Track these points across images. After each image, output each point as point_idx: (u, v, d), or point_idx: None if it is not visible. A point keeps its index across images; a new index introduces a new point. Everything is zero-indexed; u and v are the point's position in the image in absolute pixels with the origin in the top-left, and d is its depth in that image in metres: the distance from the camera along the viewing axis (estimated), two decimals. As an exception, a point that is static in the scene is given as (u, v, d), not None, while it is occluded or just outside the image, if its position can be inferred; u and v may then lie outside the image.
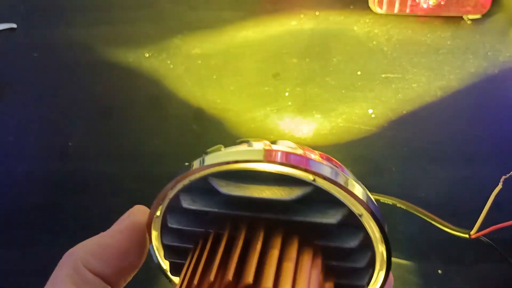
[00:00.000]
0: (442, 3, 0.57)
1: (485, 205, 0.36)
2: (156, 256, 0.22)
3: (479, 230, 0.37)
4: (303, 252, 0.18)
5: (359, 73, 0.54)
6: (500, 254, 0.39)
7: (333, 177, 0.18)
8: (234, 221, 0.19)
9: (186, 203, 0.19)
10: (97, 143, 0.51)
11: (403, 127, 0.50)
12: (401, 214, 0.42)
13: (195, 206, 0.19)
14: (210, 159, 0.19)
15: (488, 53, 0.56)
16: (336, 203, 0.18)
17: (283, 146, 0.20)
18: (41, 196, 0.47)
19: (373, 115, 0.51)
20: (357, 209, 0.18)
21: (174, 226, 0.20)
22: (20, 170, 0.48)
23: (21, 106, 0.54)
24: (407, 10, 0.58)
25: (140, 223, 0.21)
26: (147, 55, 0.57)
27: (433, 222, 0.38)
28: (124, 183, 0.47)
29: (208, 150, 0.20)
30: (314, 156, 0.20)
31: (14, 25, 0.60)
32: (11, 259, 0.43)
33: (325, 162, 0.19)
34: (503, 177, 0.35)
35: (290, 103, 0.52)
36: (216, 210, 0.19)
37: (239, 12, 0.61)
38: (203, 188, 0.19)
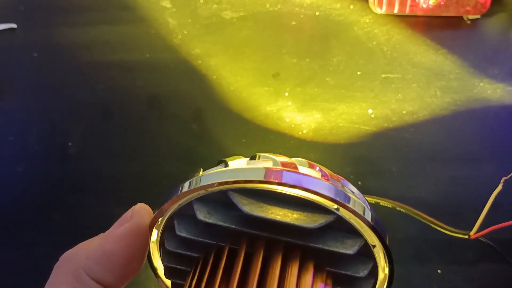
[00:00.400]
0: (442, 3, 0.57)
1: (485, 205, 0.36)
2: (152, 261, 0.22)
3: (478, 230, 0.37)
4: (317, 278, 0.18)
5: (359, 73, 0.54)
6: (499, 254, 0.39)
7: (356, 209, 0.18)
8: (250, 239, 0.19)
9: (202, 215, 0.18)
10: (97, 143, 0.51)
11: (403, 127, 0.50)
12: (401, 214, 0.42)
13: (211, 220, 0.18)
14: (233, 175, 0.18)
15: (488, 53, 0.56)
16: (354, 233, 0.19)
17: (307, 169, 0.20)
18: (41, 196, 0.47)
19: (373, 115, 0.51)
20: (372, 240, 0.19)
21: (183, 234, 0.19)
22: (20, 170, 0.48)
23: (21, 106, 0.54)
24: (407, 10, 0.58)
25: (144, 226, 0.20)
26: (147, 55, 0.57)
27: (432, 225, 0.38)
28: (124, 183, 0.47)
29: (227, 159, 0.20)
30: (336, 181, 0.20)
31: (14, 25, 0.60)
32: (11, 259, 0.43)
33: (347, 189, 0.19)
34: (504, 178, 0.35)
35: (290, 103, 0.52)
36: (233, 226, 0.18)
37: (239, 12, 0.61)
38: (220, 200, 0.19)
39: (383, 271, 0.20)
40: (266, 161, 0.20)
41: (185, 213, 0.19)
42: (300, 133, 0.50)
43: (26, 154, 0.50)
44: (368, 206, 0.19)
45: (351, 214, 0.18)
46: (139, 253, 0.20)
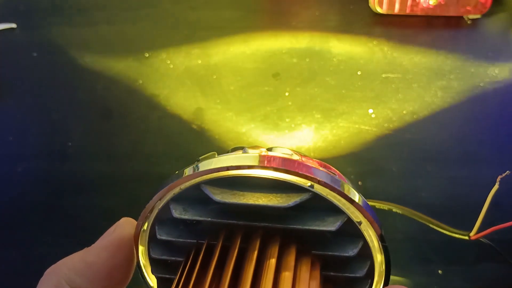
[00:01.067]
0: (442, 3, 0.57)
1: (487, 207, 0.36)
2: (143, 273, 0.21)
3: (478, 231, 0.37)
4: (301, 262, 0.18)
5: (359, 73, 0.54)
6: (500, 255, 0.39)
7: (331, 183, 0.17)
8: (229, 230, 0.18)
9: (177, 213, 0.18)
10: (97, 143, 0.51)
11: (404, 127, 0.50)
12: (401, 214, 0.42)
13: (187, 216, 0.18)
14: (202, 166, 0.18)
15: (489, 53, 0.56)
16: (335, 210, 0.18)
17: (279, 152, 0.20)
18: (40, 196, 0.47)
19: (373, 115, 0.51)
20: (356, 216, 0.18)
21: (164, 237, 0.19)
22: (19, 170, 0.48)
23: (20, 106, 0.54)
24: (407, 10, 0.58)
25: (127, 237, 0.20)
26: (146, 54, 0.57)
27: (431, 225, 0.38)
28: (123, 183, 0.47)
29: (201, 157, 0.19)
30: (311, 162, 0.19)
31: (13, 25, 0.60)
32: (10, 259, 0.43)
33: (322, 168, 0.18)
34: (499, 176, 0.35)
35: (290, 103, 0.52)
36: (209, 219, 0.18)
37: (239, 11, 0.61)
38: (195, 196, 0.18)
39: (380, 253, 0.19)
40: (236, 151, 0.20)
41: (165, 217, 0.19)
42: (301, 133, 0.50)
43: (26, 154, 0.50)
44: (348, 182, 0.18)
45: (328, 190, 0.17)
46: (122, 264, 0.20)
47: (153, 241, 0.20)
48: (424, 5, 0.58)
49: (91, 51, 0.58)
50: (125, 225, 0.20)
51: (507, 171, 0.35)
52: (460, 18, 0.58)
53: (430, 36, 0.57)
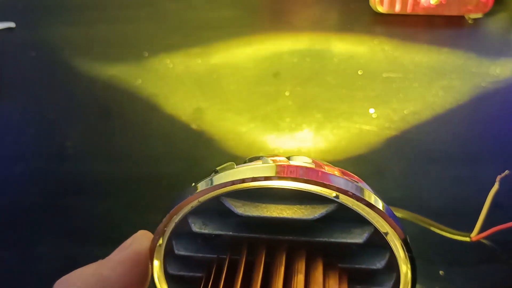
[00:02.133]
0: (444, 2, 0.57)
1: (488, 207, 0.36)
2: None
3: (480, 232, 0.37)
4: (329, 276, 0.17)
5: (360, 72, 0.54)
6: (502, 256, 0.38)
7: (357, 193, 0.16)
8: (251, 244, 0.17)
9: (197, 227, 0.17)
10: (96, 143, 0.50)
11: (405, 126, 0.50)
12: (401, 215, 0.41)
13: (207, 230, 0.17)
14: (221, 178, 0.17)
15: (490, 52, 0.56)
16: (361, 221, 0.17)
17: (299, 161, 0.19)
18: (39, 196, 0.47)
19: (374, 115, 0.50)
20: (382, 227, 0.17)
21: (182, 253, 0.18)
22: (18, 170, 0.48)
23: (19, 105, 0.54)
24: (408, 9, 0.58)
25: (144, 252, 0.19)
26: (146, 54, 0.57)
27: (432, 228, 0.38)
28: (123, 183, 0.47)
29: (218, 168, 0.18)
30: (333, 171, 0.18)
31: (12, 24, 0.60)
32: (9, 259, 0.43)
33: (346, 177, 0.17)
34: (498, 176, 0.35)
35: (290, 102, 0.52)
36: (231, 233, 0.17)
37: (239, 11, 0.61)
38: (214, 209, 0.18)
39: (405, 264, 0.18)
40: (255, 162, 0.19)
41: (183, 231, 0.18)
42: (301, 133, 0.49)
43: (24, 154, 0.49)
44: (372, 191, 0.17)
45: (354, 201, 0.17)
46: (137, 280, 0.19)
47: (169, 256, 0.19)
48: (425, 4, 0.57)
49: (90, 50, 0.58)
50: (142, 239, 0.20)
51: (506, 171, 0.35)
52: (461, 17, 0.58)
53: (432, 36, 0.57)
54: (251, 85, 0.53)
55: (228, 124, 0.51)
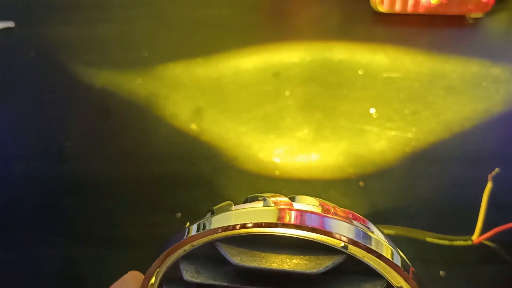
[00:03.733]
0: (444, 2, 0.57)
1: (485, 207, 0.36)
2: None
3: (481, 233, 0.37)
4: None
5: (360, 72, 0.54)
6: (503, 256, 0.38)
7: (369, 244, 0.15)
8: None
9: (188, 275, 0.16)
10: (95, 143, 0.50)
11: (405, 127, 0.49)
12: (402, 214, 0.41)
13: (199, 279, 0.16)
14: (218, 221, 0.16)
15: (491, 52, 0.55)
16: (372, 274, 0.16)
17: (304, 205, 0.17)
18: (38, 197, 0.46)
19: (374, 115, 0.50)
20: (396, 281, 0.16)
21: None
22: (17, 170, 0.48)
23: (18, 105, 0.54)
24: (409, 9, 0.58)
25: None
26: (145, 54, 0.57)
27: (428, 239, 0.38)
28: (122, 183, 0.47)
29: (215, 207, 0.17)
30: (342, 215, 0.17)
31: (11, 24, 0.60)
32: (8, 260, 0.43)
33: (355, 223, 0.16)
34: (490, 175, 0.35)
35: (290, 102, 0.52)
36: (225, 283, 0.16)
37: (239, 10, 0.60)
38: (209, 255, 0.16)
39: None
40: (255, 203, 0.17)
41: (174, 276, 0.17)
42: (301, 133, 0.49)
43: (23, 154, 0.49)
44: (387, 240, 0.16)
45: (365, 252, 0.15)
46: None
47: None
48: (426, 4, 0.57)
49: (89, 50, 0.57)
50: (131, 282, 0.19)
51: (497, 168, 0.35)
52: (462, 17, 0.58)
53: (432, 35, 0.57)
54: (251, 84, 0.53)
55: (228, 124, 0.50)
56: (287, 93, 0.52)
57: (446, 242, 0.36)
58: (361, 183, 0.45)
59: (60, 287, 0.38)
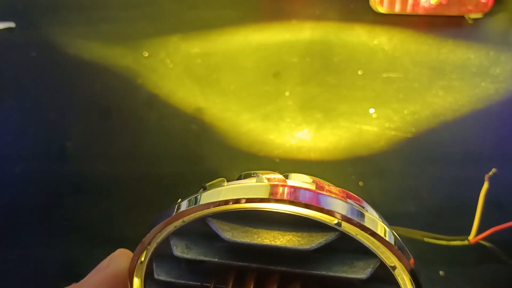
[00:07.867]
0: (444, 2, 0.57)
1: (483, 207, 0.36)
2: None
3: (477, 233, 0.37)
4: None
5: (360, 72, 0.54)
6: (502, 256, 0.38)
7: (362, 221, 0.14)
8: (240, 273, 0.16)
9: (179, 250, 0.16)
10: (96, 143, 0.50)
11: (405, 127, 0.49)
12: (402, 214, 0.41)
13: (190, 254, 0.16)
14: (208, 196, 0.15)
15: (490, 52, 0.56)
16: (365, 252, 0.15)
17: (298, 181, 0.17)
18: (39, 196, 0.47)
19: (374, 115, 0.50)
20: (390, 260, 0.15)
21: (162, 278, 0.16)
22: (18, 170, 0.48)
23: (19, 105, 0.54)
24: (408, 9, 0.58)
25: (122, 272, 0.18)
26: (146, 54, 0.57)
27: (426, 239, 0.38)
28: (123, 183, 0.47)
29: (207, 184, 0.16)
30: (336, 193, 0.16)
31: (12, 24, 0.60)
32: (9, 260, 0.43)
33: (350, 201, 0.15)
34: (486, 175, 0.35)
35: (290, 102, 0.52)
36: (216, 259, 0.15)
37: (239, 10, 0.61)
38: (200, 231, 0.16)
39: None
40: (248, 178, 0.17)
41: (164, 253, 0.16)
42: (301, 133, 0.49)
43: (24, 154, 0.49)
44: (381, 219, 0.15)
45: (358, 230, 0.15)
46: None
47: (150, 278, 0.17)
48: (425, 5, 0.57)
49: (90, 50, 0.57)
50: (120, 258, 0.18)
51: (493, 169, 0.35)
52: (461, 18, 0.58)
53: (432, 35, 0.57)
54: (251, 85, 0.53)
55: (228, 124, 0.50)
56: (287, 93, 0.52)
57: (443, 242, 0.36)
58: (360, 183, 0.45)
59: (60, 287, 0.38)
